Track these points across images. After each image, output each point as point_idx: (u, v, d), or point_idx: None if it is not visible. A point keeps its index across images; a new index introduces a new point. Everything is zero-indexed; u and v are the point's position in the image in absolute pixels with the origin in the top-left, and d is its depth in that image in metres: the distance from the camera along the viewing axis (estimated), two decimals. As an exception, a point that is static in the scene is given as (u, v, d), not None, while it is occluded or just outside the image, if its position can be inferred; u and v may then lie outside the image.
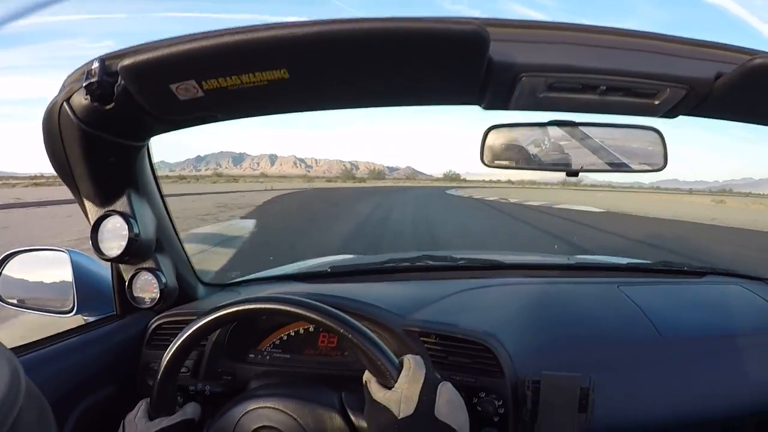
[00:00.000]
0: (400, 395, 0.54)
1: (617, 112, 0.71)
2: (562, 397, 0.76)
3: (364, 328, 0.59)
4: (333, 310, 0.60)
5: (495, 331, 0.85)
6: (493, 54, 0.59)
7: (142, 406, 0.66)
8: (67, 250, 0.98)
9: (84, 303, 0.96)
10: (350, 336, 0.58)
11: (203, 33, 0.54)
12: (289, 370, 0.85)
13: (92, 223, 0.84)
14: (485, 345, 0.80)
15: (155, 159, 0.91)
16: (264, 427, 0.66)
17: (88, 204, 0.85)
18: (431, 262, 1.21)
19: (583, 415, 0.76)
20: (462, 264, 1.21)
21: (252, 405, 0.67)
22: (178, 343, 0.64)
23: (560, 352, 0.86)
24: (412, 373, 0.55)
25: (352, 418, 0.65)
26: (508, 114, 0.78)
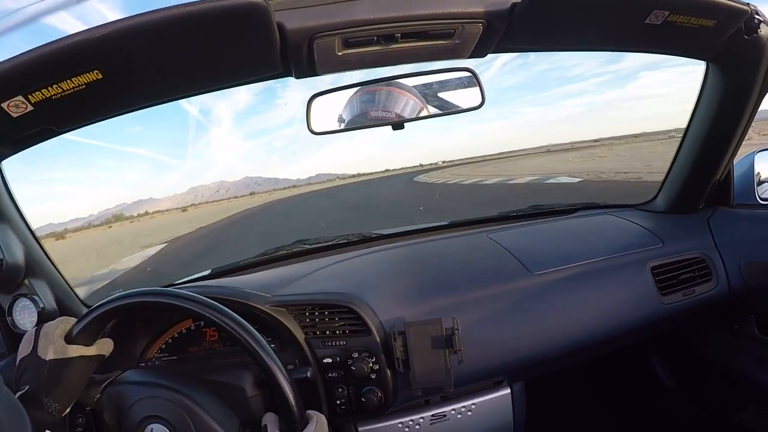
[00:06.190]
0: None
1: (423, 59, 0.73)
2: (429, 341, 0.79)
3: (278, 363, 0.59)
4: (246, 325, 0.60)
5: (358, 292, 0.87)
6: (282, 21, 0.61)
7: (62, 324, 0.65)
8: None
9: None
10: (268, 368, 0.58)
11: (21, 53, 0.57)
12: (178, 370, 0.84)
13: None
14: (348, 306, 0.82)
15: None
16: (156, 417, 0.64)
17: None
18: (306, 246, 1.22)
19: (454, 355, 0.79)
20: (336, 243, 1.23)
21: (151, 392, 0.65)
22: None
23: (426, 302, 0.87)
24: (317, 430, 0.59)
25: None
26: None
